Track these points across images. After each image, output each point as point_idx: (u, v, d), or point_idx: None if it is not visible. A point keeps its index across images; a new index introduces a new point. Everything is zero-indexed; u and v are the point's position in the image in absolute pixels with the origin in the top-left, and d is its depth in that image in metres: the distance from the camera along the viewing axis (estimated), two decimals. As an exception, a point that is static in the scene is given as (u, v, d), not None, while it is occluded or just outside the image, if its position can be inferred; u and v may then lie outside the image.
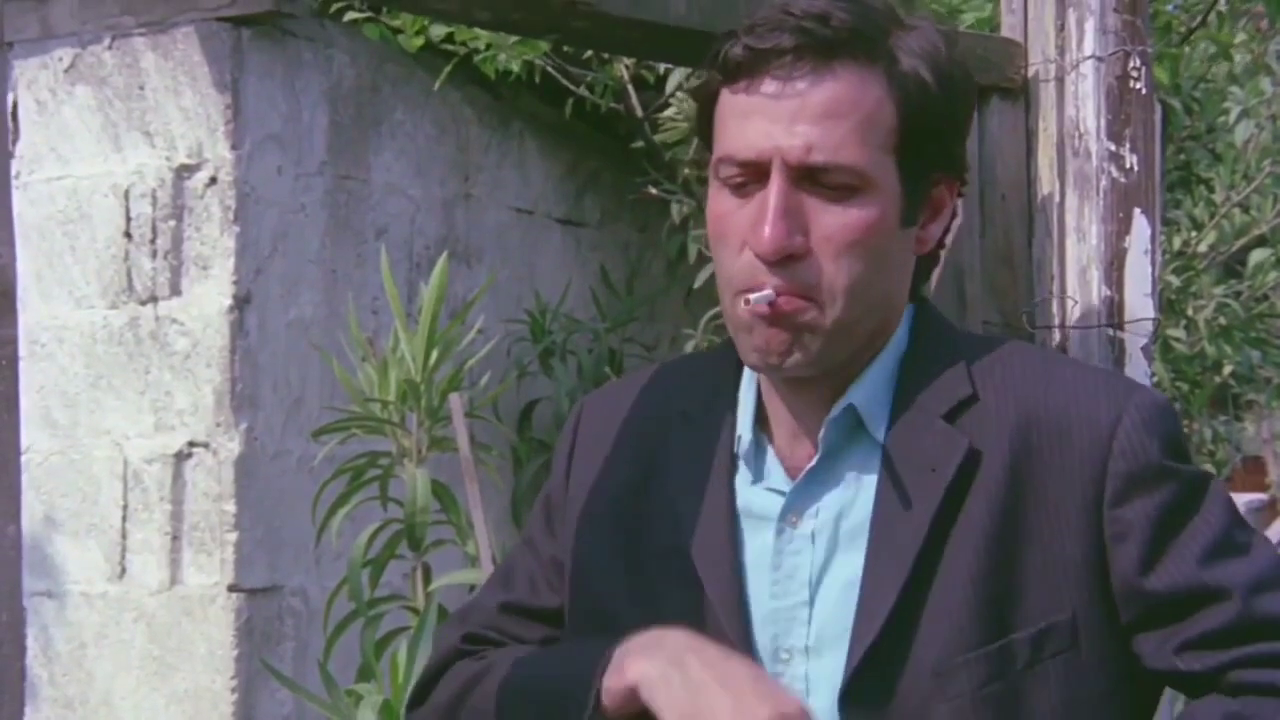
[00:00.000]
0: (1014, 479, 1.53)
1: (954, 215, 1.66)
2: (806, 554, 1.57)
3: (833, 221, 1.53)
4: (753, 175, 1.55)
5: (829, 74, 1.53)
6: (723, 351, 1.69)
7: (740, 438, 1.62)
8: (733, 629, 1.56)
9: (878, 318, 1.59)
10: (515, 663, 1.66)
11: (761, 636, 1.57)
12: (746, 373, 1.65)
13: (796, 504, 1.59)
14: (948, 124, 1.59)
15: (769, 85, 1.53)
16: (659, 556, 1.61)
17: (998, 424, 1.55)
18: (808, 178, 1.53)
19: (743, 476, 1.62)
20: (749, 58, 1.54)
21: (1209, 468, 5.20)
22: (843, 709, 1.52)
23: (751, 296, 1.53)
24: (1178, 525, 1.52)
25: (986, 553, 1.52)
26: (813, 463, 1.58)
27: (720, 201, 1.58)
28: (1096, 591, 1.53)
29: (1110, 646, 1.53)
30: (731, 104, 1.56)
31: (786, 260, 1.53)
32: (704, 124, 1.62)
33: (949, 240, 1.69)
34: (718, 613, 1.57)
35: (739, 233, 1.55)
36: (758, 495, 1.61)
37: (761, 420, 1.63)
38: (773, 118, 1.53)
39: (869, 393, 1.59)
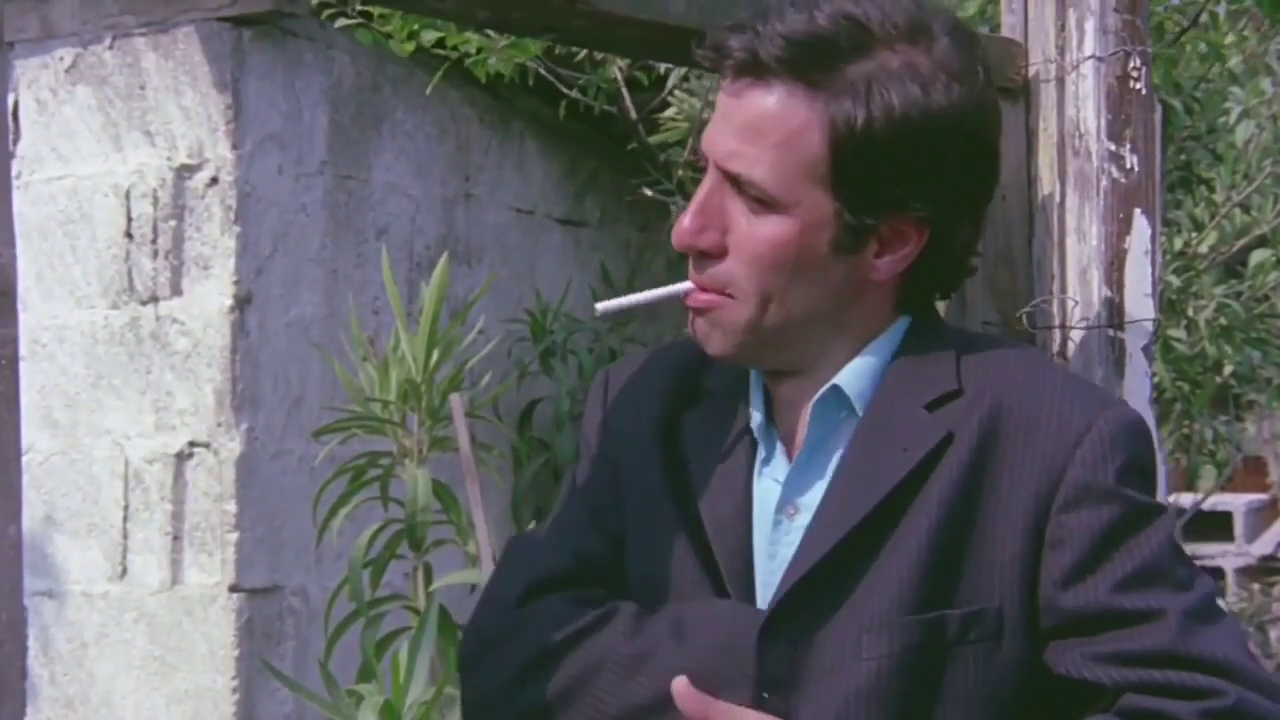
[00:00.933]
0: (977, 462, 1.54)
1: (930, 250, 1.61)
2: (794, 544, 1.58)
3: (745, 230, 1.57)
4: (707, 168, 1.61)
5: (761, 92, 1.55)
6: None
7: (753, 414, 1.64)
8: (753, 620, 1.57)
9: (813, 328, 1.59)
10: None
11: (758, 638, 1.58)
12: None
13: (791, 495, 1.60)
14: (895, 167, 1.54)
15: (726, 87, 1.58)
16: (689, 534, 1.63)
17: (974, 413, 1.56)
18: (734, 183, 1.57)
19: (759, 460, 1.63)
20: (710, 57, 1.59)
21: (1210, 468, 5.20)
22: (760, 647, 1.53)
23: (657, 290, 1.63)
24: (1110, 548, 1.52)
25: (938, 528, 1.53)
26: (800, 452, 1.60)
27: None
28: (1025, 590, 1.53)
29: (1027, 648, 1.53)
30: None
31: (702, 255, 1.59)
32: None
33: (974, 262, 1.68)
34: (728, 588, 1.59)
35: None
36: (763, 484, 1.62)
37: (770, 411, 1.65)
38: (720, 118, 1.58)
39: (857, 382, 1.60)
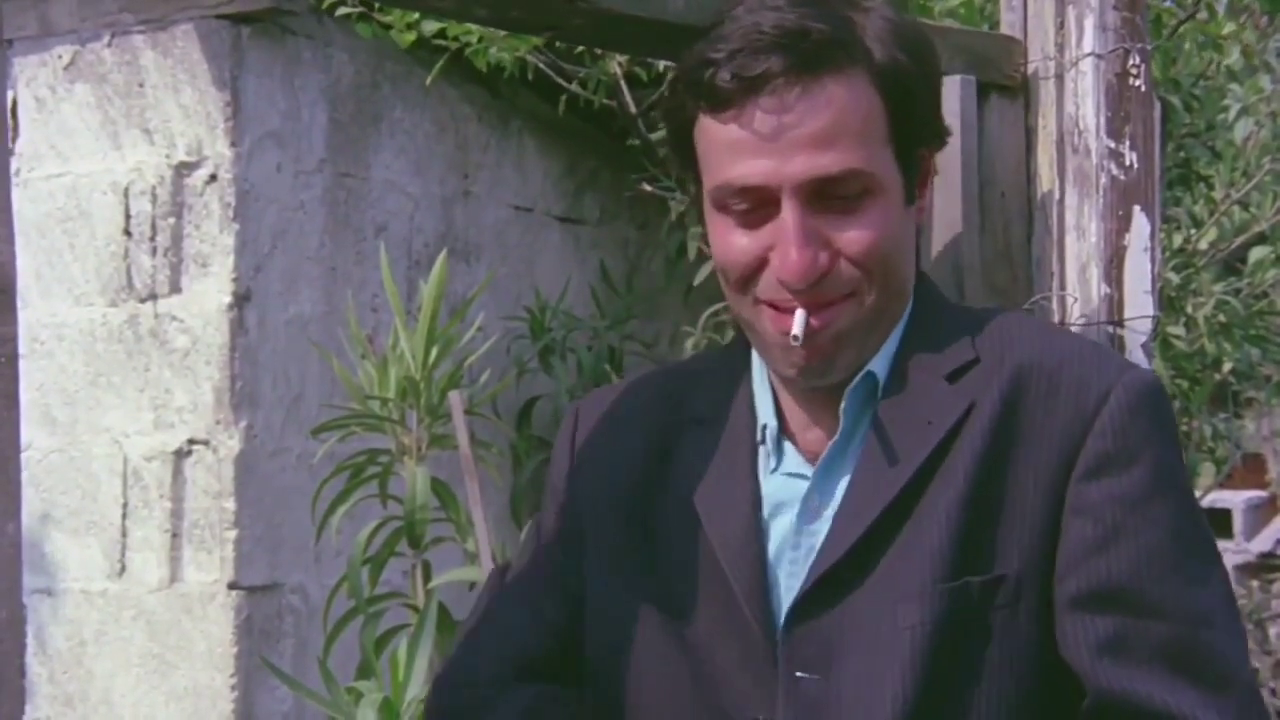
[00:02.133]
0: (999, 430, 1.55)
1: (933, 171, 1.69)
2: (824, 532, 1.58)
3: (853, 232, 1.56)
4: (758, 201, 1.55)
5: (820, 92, 1.54)
6: (726, 352, 1.72)
7: (764, 426, 1.64)
8: (756, 618, 1.57)
9: (899, 301, 1.62)
10: None
11: (784, 622, 1.58)
12: (757, 366, 1.67)
13: (820, 485, 1.60)
14: (927, 94, 1.63)
15: (759, 115, 1.53)
16: (679, 559, 1.62)
17: (994, 381, 1.57)
18: (819, 193, 1.54)
19: (765, 466, 1.63)
20: (738, 86, 1.54)
21: (1209, 465, 5.20)
22: (788, 624, 1.54)
23: (793, 333, 1.55)
24: (1130, 517, 1.52)
25: (965, 497, 1.54)
26: (836, 437, 1.60)
27: (725, 231, 1.59)
28: (1043, 556, 1.53)
29: (1044, 616, 1.53)
30: (719, 134, 1.56)
31: (817, 281, 1.55)
32: (683, 146, 1.62)
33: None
34: (741, 604, 1.58)
35: (751, 259, 1.57)
36: (778, 481, 1.63)
37: (777, 411, 1.65)
38: (772, 147, 1.54)
39: (884, 362, 1.61)
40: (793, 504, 1.61)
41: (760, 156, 1.54)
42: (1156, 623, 1.51)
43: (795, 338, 1.55)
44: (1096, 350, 1.64)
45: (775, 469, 1.63)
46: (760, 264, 1.57)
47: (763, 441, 1.64)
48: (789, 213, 1.54)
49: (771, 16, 1.54)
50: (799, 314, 1.55)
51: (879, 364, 1.61)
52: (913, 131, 1.60)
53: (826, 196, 1.55)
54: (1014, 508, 1.54)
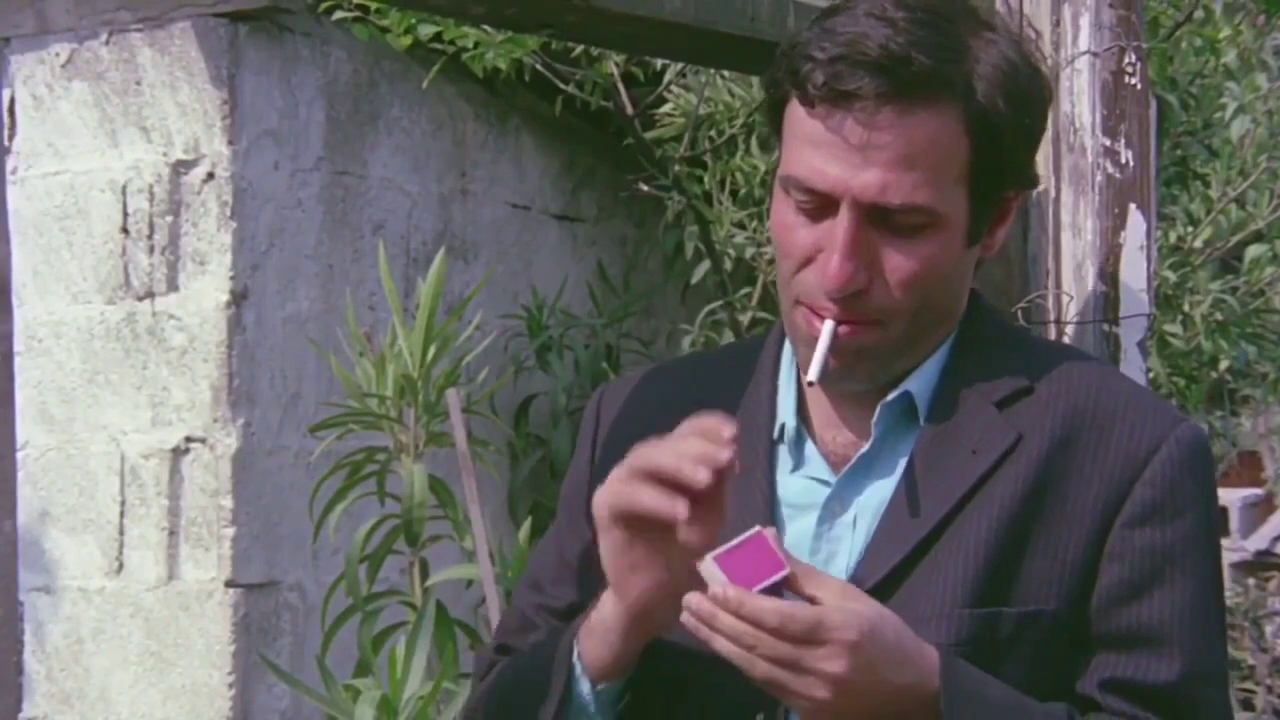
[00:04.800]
0: (1047, 466, 1.56)
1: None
2: (846, 540, 1.59)
3: (899, 258, 1.55)
4: (821, 203, 1.55)
5: (909, 118, 1.52)
6: (754, 344, 1.71)
7: (784, 425, 1.63)
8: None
9: (938, 327, 1.61)
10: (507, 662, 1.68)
11: None
12: (786, 362, 1.67)
13: (843, 492, 1.60)
14: (1021, 144, 1.60)
15: (847, 124, 1.53)
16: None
17: (1047, 414, 1.57)
18: (879, 216, 1.54)
19: (783, 464, 1.63)
20: (829, 95, 1.53)
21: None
22: None
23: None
24: (1173, 570, 1.54)
25: (1002, 527, 1.54)
26: (866, 448, 1.60)
27: (786, 214, 1.59)
28: (1080, 596, 1.54)
29: (1074, 656, 1.55)
30: (804, 124, 1.56)
31: (851, 295, 1.55)
32: (775, 116, 1.61)
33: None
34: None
35: (803, 250, 1.57)
36: (797, 483, 1.62)
37: (800, 409, 1.64)
38: (847, 158, 1.53)
39: (924, 381, 1.61)
40: (812, 508, 1.60)
41: (833, 164, 1.53)
42: (1169, 669, 1.53)
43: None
44: (1152, 399, 1.64)
45: (795, 469, 1.63)
46: (807, 259, 1.57)
47: (780, 440, 1.64)
48: (843, 222, 1.54)
49: (881, 33, 1.52)
50: (827, 325, 1.55)
51: (917, 382, 1.60)
52: (995, 175, 1.58)
53: (885, 220, 1.54)
54: (1055, 546, 1.54)
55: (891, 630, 1.47)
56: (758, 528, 1.48)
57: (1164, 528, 1.54)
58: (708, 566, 1.46)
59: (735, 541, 1.48)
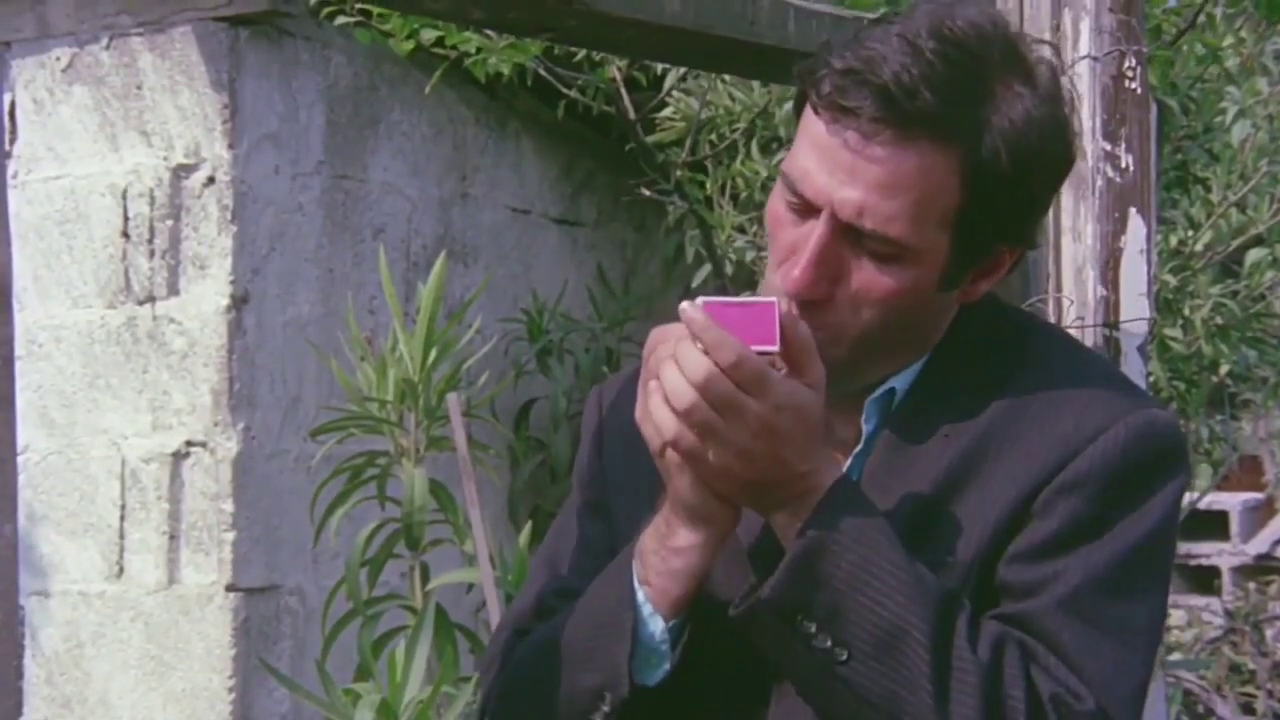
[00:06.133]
0: (993, 429, 1.56)
1: (1013, 266, 1.64)
2: None
3: (864, 280, 1.54)
4: (805, 206, 1.55)
5: (904, 148, 1.51)
6: None
7: None
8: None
9: (903, 352, 1.60)
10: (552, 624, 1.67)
11: None
12: None
13: None
14: (1019, 204, 1.58)
15: (845, 136, 1.52)
16: None
17: (1008, 394, 1.58)
18: (853, 234, 1.53)
19: None
20: (831, 105, 1.53)
21: (1205, 467, 5.20)
22: (755, 567, 1.54)
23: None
24: (1087, 539, 1.53)
25: (939, 482, 1.55)
26: (859, 447, 1.60)
27: (779, 203, 1.59)
28: (995, 553, 1.54)
29: (978, 605, 1.53)
30: (812, 124, 1.56)
31: (808, 303, 1.54)
32: (798, 109, 1.61)
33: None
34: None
35: (782, 247, 1.57)
36: None
37: None
38: (836, 170, 1.52)
39: (908, 378, 1.62)
40: None
41: (823, 172, 1.53)
42: (1047, 614, 1.51)
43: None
44: (1122, 384, 1.64)
45: None
46: (783, 259, 1.57)
47: None
48: (818, 231, 1.53)
49: (899, 60, 1.51)
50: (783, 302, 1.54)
51: (903, 379, 1.61)
52: (984, 228, 1.56)
53: (857, 240, 1.54)
54: (984, 504, 1.54)
55: (815, 419, 1.48)
56: (774, 299, 1.48)
57: (1090, 501, 1.53)
58: (693, 308, 1.45)
59: (743, 299, 1.47)
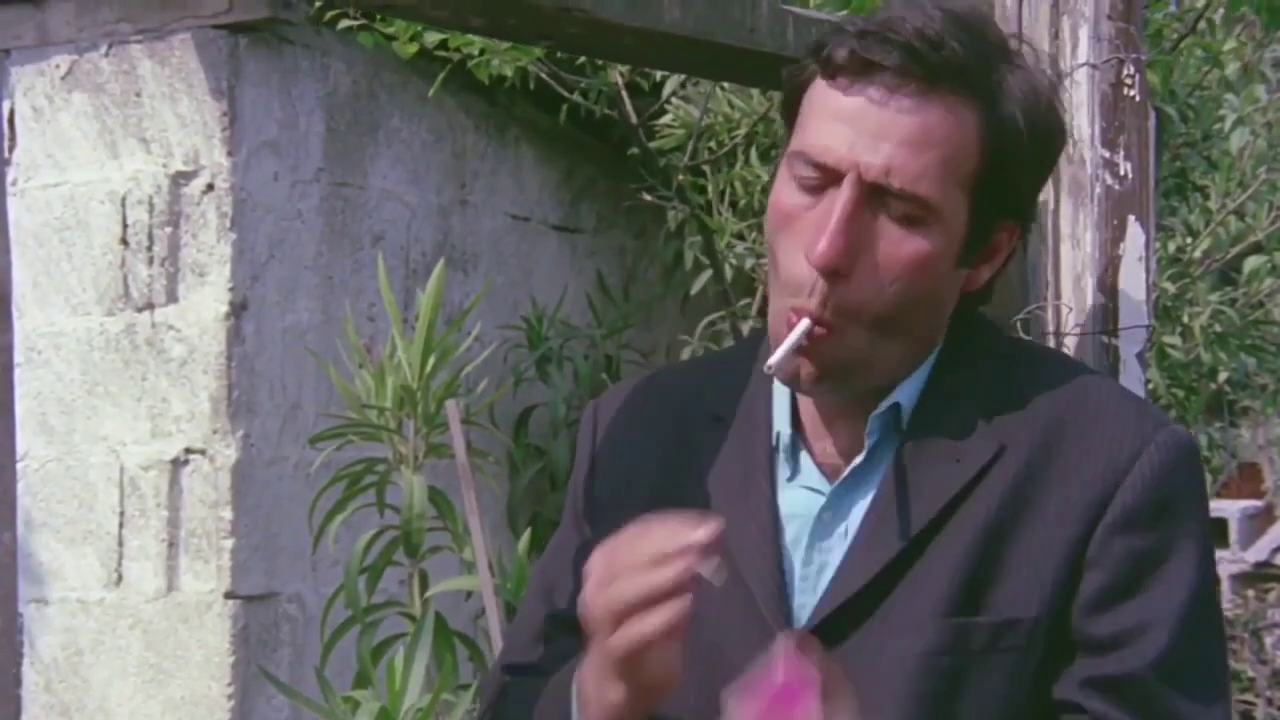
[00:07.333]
0: (1027, 476, 1.55)
1: (1008, 259, 1.64)
2: (838, 552, 1.58)
3: (891, 246, 1.53)
4: (826, 179, 1.54)
5: (928, 101, 1.51)
6: (747, 349, 1.69)
7: (779, 434, 1.62)
8: (778, 625, 1.56)
9: (909, 348, 1.59)
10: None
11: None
12: None
13: (836, 503, 1.59)
14: (1030, 173, 1.59)
15: (867, 95, 1.52)
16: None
17: (1030, 423, 1.56)
18: (878, 197, 1.52)
19: (781, 473, 1.62)
20: (854, 63, 1.52)
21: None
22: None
23: (790, 336, 1.52)
24: (1153, 575, 1.53)
25: (982, 536, 1.53)
26: (859, 460, 1.58)
27: (787, 194, 1.56)
28: (1061, 603, 1.53)
29: (1054, 663, 1.53)
30: (824, 99, 1.55)
31: (834, 275, 1.52)
32: (790, 107, 1.60)
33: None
34: (762, 610, 1.58)
35: (800, 236, 1.54)
36: (793, 493, 1.61)
37: (794, 417, 1.63)
38: (860, 129, 1.52)
39: (913, 392, 1.60)
40: (806, 518, 1.60)
41: (844, 138, 1.52)
42: (1142, 657, 1.52)
43: (768, 368, 1.53)
44: (1136, 404, 1.63)
45: (791, 479, 1.62)
46: (797, 244, 1.55)
47: (776, 449, 1.63)
48: (842, 197, 1.52)
49: (918, 18, 1.52)
50: (803, 322, 1.52)
51: (906, 394, 1.59)
52: (999, 193, 1.56)
53: (884, 204, 1.52)
54: (1036, 554, 1.53)
55: None
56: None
57: (1145, 534, 1.53)
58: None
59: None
